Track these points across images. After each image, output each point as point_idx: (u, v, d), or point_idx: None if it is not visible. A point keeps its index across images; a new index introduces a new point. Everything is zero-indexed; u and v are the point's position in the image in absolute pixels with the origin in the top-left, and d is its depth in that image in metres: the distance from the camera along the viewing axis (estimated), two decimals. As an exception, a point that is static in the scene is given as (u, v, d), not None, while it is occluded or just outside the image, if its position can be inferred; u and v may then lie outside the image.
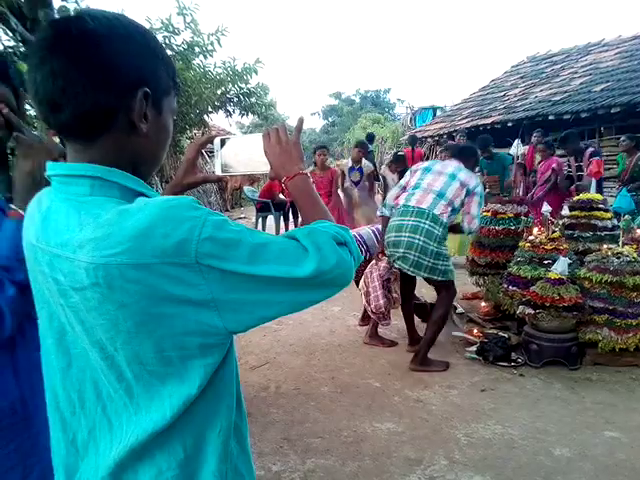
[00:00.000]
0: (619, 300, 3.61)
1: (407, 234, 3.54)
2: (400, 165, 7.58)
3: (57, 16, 4.83)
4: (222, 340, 0.76)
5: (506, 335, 3.99)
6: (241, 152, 1.00)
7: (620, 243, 3.95)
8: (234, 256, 0.70)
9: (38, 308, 0.84)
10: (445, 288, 3.68)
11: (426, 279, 3.71)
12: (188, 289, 0.69)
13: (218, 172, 1.02)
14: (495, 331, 4.12)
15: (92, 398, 0.79)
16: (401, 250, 3.56)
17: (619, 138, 7.04)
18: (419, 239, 3.49)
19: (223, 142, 1.01)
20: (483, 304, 4.58)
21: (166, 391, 0.74)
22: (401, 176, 6.48)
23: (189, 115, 8.00)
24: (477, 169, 5.61)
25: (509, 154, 7.64)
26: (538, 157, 7.38)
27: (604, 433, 2.83)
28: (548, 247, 4.01)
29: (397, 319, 4.74)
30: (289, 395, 3.36)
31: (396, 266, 3.73)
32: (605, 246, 3.89)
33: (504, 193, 6.51)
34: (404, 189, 3.82)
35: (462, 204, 3.66)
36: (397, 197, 3.81)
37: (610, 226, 4.27)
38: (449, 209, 3.59)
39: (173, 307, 0.69)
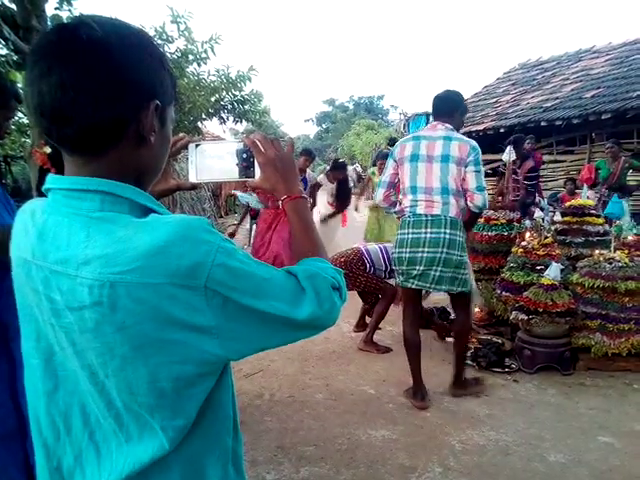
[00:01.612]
0: (611, 305, 3.63)
1: (426, 249, 3.12)
2: (339, 173, 6.57)
3: (50, 25, 4.84)
4: (217, 368, 0.75)
5: (500, 341, 4.01)
6: (218, 159, 0.96)
7: (612, 248, 3.98)
8: (241, 287, 0.70)
9: (23, 326, 0.81)
10: (464, 301, 3.32)
11: (446, 291, 3.34)
12: (192, 314, 0.67)
13: (192, 179, 0.97)
14: (489, 337, 4.13)
15: (79, 424, 0.76)
16: (419, 268, 3.14)
17: (610, 144, 7.15)
18: (442, 252, 3.09)
19: (197, 148, 0.96)
20: (477, 310, 4.59)
21: (157, 423, 0.72)
22: (340, 186, 6.32)
23: (183, 122, 8.00)
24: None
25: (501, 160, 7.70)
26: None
27: (598, 438, 2.84)
28: (541, 253, 4.03)
29: (392, 325, 4.75)
30: (283, 403, 3.35)
31: (409, 286, 3.24)
32: (597, 251, 3.92)
33: None
34: (391, 186, 3.30)
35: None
36: (387, 196, 3.30)
37: (602, 231, 4.30)
38: (460, 199, 3.13)
39: (175, 332, 0.68)
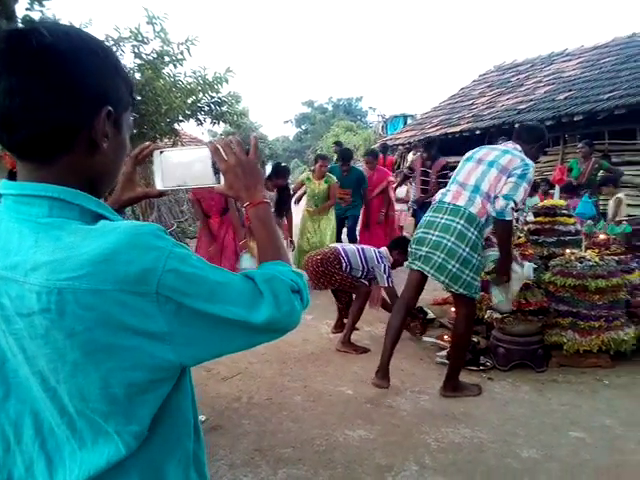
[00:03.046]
0: (582, 303, 3.72)
1: (436, 232, 3.18)
2: (280, 180, 5.94)
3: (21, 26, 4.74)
4: (172, 374, 0.74)
5: (475, 339, 4.06)
6: (185, 165, 0.96)
7: (583, 247, 4.07)
8: (195, 292, 0.70)
9: None
10: (465, 304, 3.27)
11: (446, 287, 3.37)
12: (144, 320, 0.68)
13: (159, 186, 0.96)
14: (465, 336, 4.18)
15: (30, 432, 0.74)
16: (424, 249, 3.21)
17: (583, 145, 7.32)
18: (449, 239, 3.11)
19: (162, 155, 0.96)
20: (453, 309, 4.65)
21: (112, 429, 0.71)
22: (280, 193, 5.94)
23: (159, 124, 7.91)
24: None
25: None
26: None
27: (569, 434, 2.91)
28: (514, 252, 4.09)
29: (369, 326, 4.79)
30: (261, 405, 3.35)
31: (414, 266, 3.32)
32: (568, 251, 4.01)
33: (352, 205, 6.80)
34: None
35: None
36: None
37: (573, 231, 4.40)
38: (488, 205, 3.13)
39: (126, 338, 0.67)
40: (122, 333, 0.67)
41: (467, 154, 3.42)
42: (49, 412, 0.73)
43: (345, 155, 7.09)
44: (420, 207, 7.13)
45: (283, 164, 7.05)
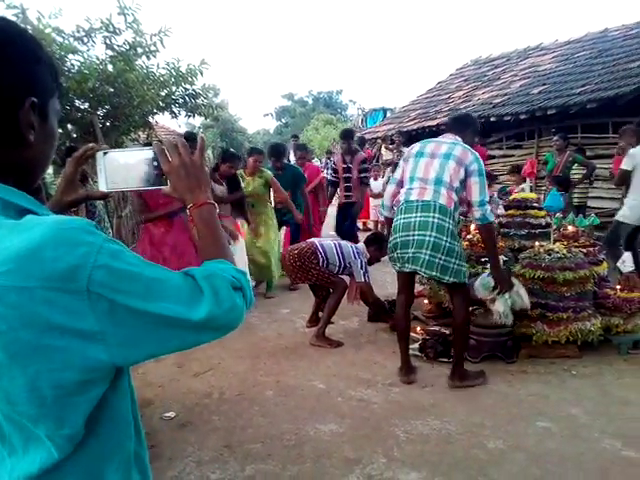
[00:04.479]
0: (551, 295, 3.77)
1: (416, 232, 3.25)
2: (226, 168, 5.18)
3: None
4: (104, 374, 0.71)
5: (447, 332, 4.09)
6: (130, 167, 0.95)
7: (552, 240, 4.13)
8: (128, 289, 0.68)
9: None
10: (458, 291, 3.37)
11: (438, 281, 3.44)
12: (73, 318, 0.65)
13: (102, 188, 0.95)
14: (437, 328, 4.22)
15: None
16: (411, 251, 3.27)
17: (556, 139, 7.42)
18: (430, 235, 3.21)
19: (106, 156, 0.95)
20: (426, 302, 4.69)
21: (42, 433, 0.68)
22: (229, 184, 5.22)
23: (133, 117, 7.79)
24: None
25: None
26: None
27: (537, 424, 2.95)
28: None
29: (344, 320, 4.79)
30: (232, 401, 3.33)
31: (405, 270, 3.37)
32: (537, 243, 4.06)
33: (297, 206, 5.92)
34: (400, 184, 3.50)
35: (462, 184, 3.29)
36: (394, 194, 3.52)
37: (544, 224, 4.45)
38: (453, 194, 3.26)
39: (54, 338, 0.64)
40: (49, 333, 0.64)
41: (414, 149, 3.48)
42: None
43: (275, 151, 6.11)
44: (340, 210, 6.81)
45: (232, 150, 6.25)
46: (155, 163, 0.94)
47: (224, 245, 0.93)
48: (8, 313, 0.63)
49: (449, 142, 3.39)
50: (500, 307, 3.52)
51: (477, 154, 3.37)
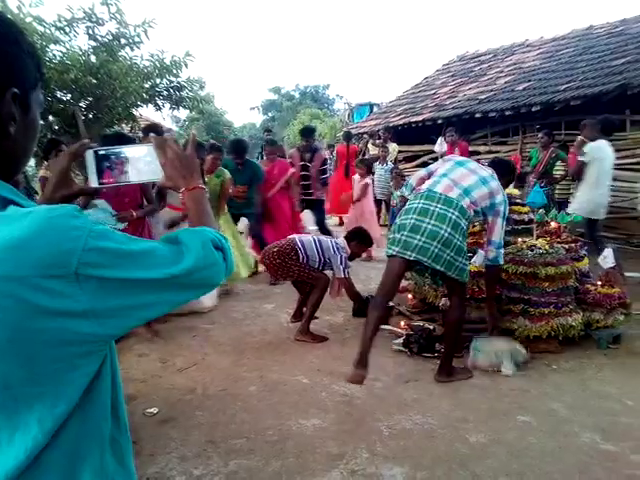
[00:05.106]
0: (533, 290, 3.81)
1: (432, 221, 3.21)
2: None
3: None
4: (100, 347, 0.74)
5: (431, 327, 4.12)
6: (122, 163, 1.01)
7: (534, 236, 4.16)
8: (117, 264, 0.70)
9: None
10: (458, 288, 3.39)
11: (441, 275, 3.45)
12: (64, 301, 0.66)
13: (93, 184, 1.00)
14: (421, 323, 4.24)
15: None
16: (420, 238, 3.21)
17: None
18: (445, 230, 3.19)
19: (97, 153, 1.00)
20: (410, 297, 4.71)
21: (33, 417, 0.69)
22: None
23: (116, 109, 7.70)
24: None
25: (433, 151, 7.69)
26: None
27: (517, 418, 2.98)
28: (468, 240, 4.15)
29: (328, 314, 4.80)
30: (216, 397, 3.31)
31: (405, 256, 3.26)
32: (520, 239, 4.09)
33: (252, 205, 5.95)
34: (430, 175, 3.56)
35: (483, 214, 3.46)
36: (423, 179, 3.55)
37: (527, 220, 4.49)
38: (473, 208, 3.34)
39: (48, 321, 0.66)
40: (43, 317, 0.66)
41: (455, 158, 3.66)
42: None
43: (237, 147, 6.07)
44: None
45: (212, 141, 6.32)
46: (148, 158, 1.02)
47: (211, 219, 1.02)
48: (1, 302, 0.64)
49: (490, 172, 3.50)
50: (509, 372, 3.53)
51: (505, 197, 3.49)
